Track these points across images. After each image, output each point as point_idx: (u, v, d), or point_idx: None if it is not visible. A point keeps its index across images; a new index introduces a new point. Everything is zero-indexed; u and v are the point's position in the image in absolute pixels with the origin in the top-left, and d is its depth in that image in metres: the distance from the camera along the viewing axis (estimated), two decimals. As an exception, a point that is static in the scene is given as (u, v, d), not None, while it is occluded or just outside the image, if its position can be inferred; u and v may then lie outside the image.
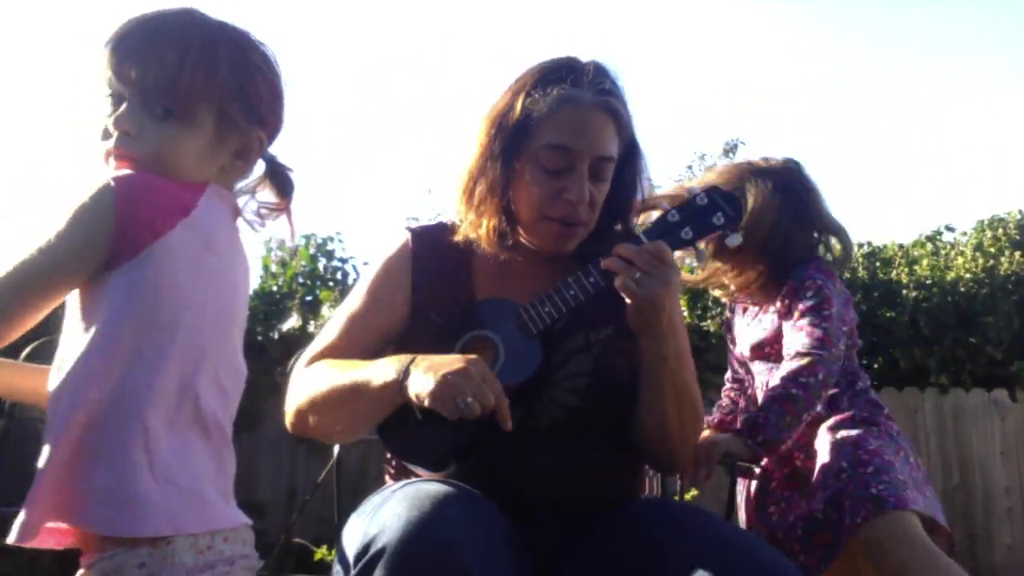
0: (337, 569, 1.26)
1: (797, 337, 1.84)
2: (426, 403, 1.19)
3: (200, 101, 1.08)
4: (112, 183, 1.03)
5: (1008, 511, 4.69)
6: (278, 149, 1.22)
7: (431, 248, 1.48)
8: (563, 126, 1.36)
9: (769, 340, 1.96)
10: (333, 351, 1.42)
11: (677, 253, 1.41)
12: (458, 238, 1.44)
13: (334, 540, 1.35)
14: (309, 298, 4.55)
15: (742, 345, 2.07)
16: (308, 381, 1.38)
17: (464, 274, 1.47)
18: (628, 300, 1.29)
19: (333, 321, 1.49)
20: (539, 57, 1.45)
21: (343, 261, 4.91)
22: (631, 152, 1.45)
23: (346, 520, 1.34)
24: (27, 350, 2.51)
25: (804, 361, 1.79)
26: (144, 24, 1.09)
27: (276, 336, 3.75)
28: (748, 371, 2.07)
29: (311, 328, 4.12)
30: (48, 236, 1.02)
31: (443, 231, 1.49)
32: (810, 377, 1.77)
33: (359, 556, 1.10)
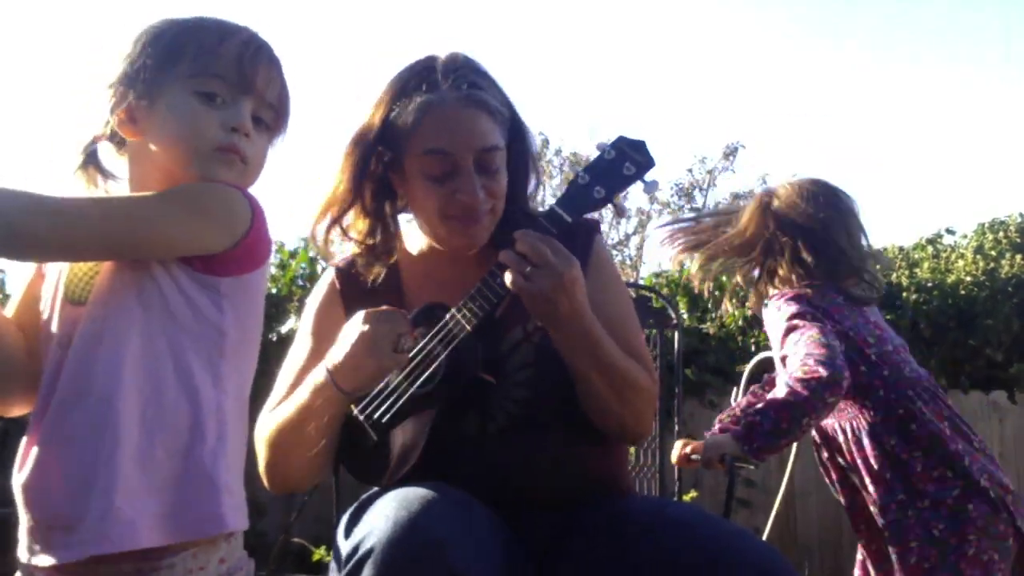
0: (333, 568, 1.26)
1: (792, 348, 1.80)
2: (374, 382, 1.27)
3: (286, 124, 1.19)
4: (242, 193, 1.10)
5: (1007, 513, 4.69)
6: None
7: (357, 279, 1.47)
8: (433, 132, 1.33)
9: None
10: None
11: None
12: (340, 263, 1.47)
13: (332, 540, 1.35)
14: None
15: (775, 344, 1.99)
16: (262, 439, 1.40)
17: (395, 293, 1.46)
18: (521, 296, 1.26)
19: (282, 376, 1.47)
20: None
21: (343, 263, 4.89)
22: (515, 136, 1.41)
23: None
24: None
25: (807, 365, 1.72)
26: (259, 39, 1.14)
27: (275, 338, 3.75)
28: None
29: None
30: (173, 198, 1.07)
31: None
32: (812, 380, 1.70)
33: (348, 557, 1.11)
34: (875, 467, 1.81)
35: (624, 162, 1.30)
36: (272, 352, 1.69)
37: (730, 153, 15.12)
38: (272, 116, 1.16)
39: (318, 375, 1.30)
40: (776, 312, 1.90)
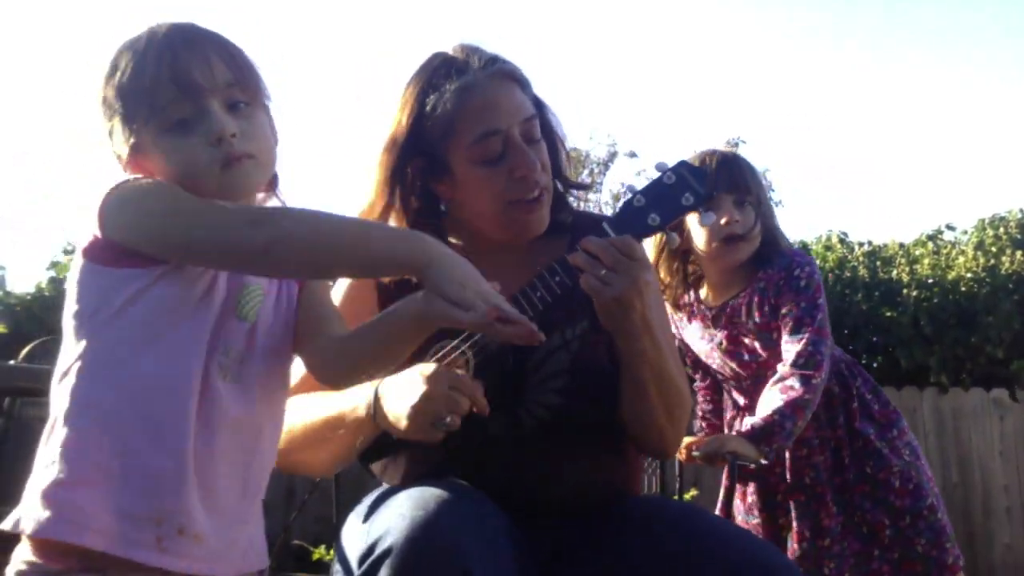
0: (337, 569, 1.25)
1: (798, 334, 1.86)
2: (406, 437, 1.20)
3: (257, 83, 1.12)
4: None
5: (1007, 510, 4.70)
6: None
7: None
8: (476, 114, 1.31)
9: (750, 348, 1.97)
10: (304, 384, 1.34)
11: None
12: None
13: (333, 540, 1.34)
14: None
15: (703, 353, 2.07)
16: (285, 421, 1.35)
17: None
18: (595, 300, 1.24)
19: None
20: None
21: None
22: (538, 107, 1.41)
23: (345, 520, 1.33)
24: (26, 349, 2.51)
25: (811, 362, 1.82)
26: (170, 37, 1.07)
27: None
28: (713, 376, 2.10)
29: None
30: None
31: None
32: (817, 377, 1.81)
33: (364, 556, 1.10)
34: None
35: (684, 191, 1.25)
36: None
37: (731, 148, 15.11)
38: (241, 91, 1.09)
39: (366, 393, 1.26)
40: (804, 261, 1.95)
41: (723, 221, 1.90)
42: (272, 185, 1.21)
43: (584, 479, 1.35)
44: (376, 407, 1.24)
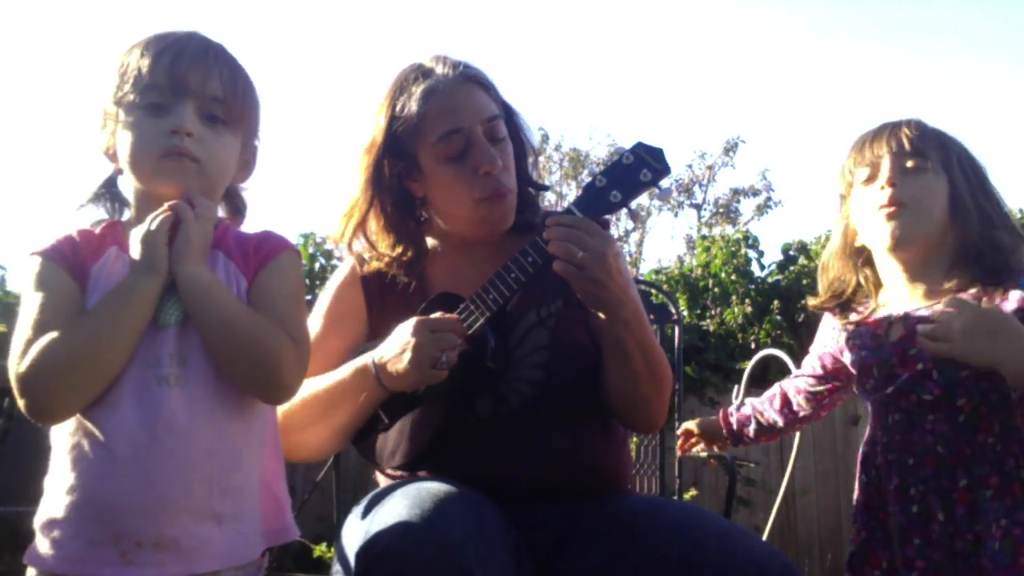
0: (337, 568, 1.26)
1: None
2: (416, 387, 1.32)
3: (244, 113, 1.20)
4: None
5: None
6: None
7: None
8: (440, 114, 1.40)
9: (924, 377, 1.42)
10: None
11: None
12: (369, 270, 1.49)
13: (333, 538, 1.35)
14: (308, 297, 4.52)
15: (857, 363, 1.55)
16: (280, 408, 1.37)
17: (418, 281, 1.49)
18: (571, 284, 1.29)
19: None
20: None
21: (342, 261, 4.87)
22: (506, 112, 1.49)
23: (345, 518, 1.34)
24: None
25: None
26: (190, 41, 1.17)
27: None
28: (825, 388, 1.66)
29: (310, 327, 4.08)
30: None
31: None
32: None
33: (361, 555, 1.11)
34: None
35: (641, 168, 1.31)
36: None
37: (730, 148, 15.11)
38: (223, 109, 1.16)
39: (363, 361, 1.36)
40: None
41: (879, 187, 1.48)
42: (238, 213, 1.30)
43: (572, 454, 1.37)
44: (379, 372, 1.33)
